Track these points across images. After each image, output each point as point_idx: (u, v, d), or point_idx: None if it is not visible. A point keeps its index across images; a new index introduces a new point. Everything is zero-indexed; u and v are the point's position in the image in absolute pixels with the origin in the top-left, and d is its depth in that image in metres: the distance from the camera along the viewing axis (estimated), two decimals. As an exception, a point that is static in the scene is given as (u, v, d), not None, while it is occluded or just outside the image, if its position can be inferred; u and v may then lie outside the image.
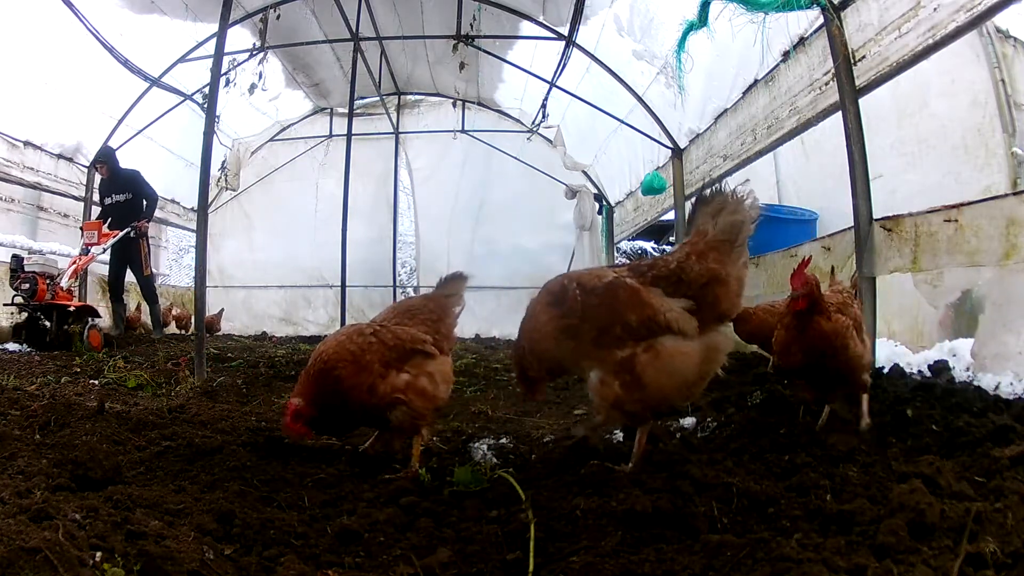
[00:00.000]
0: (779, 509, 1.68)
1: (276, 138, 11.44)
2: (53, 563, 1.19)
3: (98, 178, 7.86)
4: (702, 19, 4.17)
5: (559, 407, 3.63)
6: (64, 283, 6.25)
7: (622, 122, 7.85)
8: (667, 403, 2.00)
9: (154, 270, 11.97)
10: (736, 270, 1.94)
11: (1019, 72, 4.44)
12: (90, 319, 6.42)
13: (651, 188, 7.42)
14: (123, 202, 7.60)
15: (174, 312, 9.59)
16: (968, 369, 3.48)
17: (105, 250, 7.07)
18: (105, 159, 7.55)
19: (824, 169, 5.98)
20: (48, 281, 6.08)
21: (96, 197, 8.22)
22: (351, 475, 2.18)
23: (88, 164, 8.37)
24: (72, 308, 6.28)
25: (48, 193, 8.14)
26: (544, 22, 7.75)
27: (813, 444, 2.27)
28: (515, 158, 11.08)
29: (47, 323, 5.99)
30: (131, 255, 7.58)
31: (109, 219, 7.39)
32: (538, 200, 11.08)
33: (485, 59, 8.83)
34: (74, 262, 6.63)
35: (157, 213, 10.03)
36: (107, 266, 7.88)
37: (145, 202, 7.69)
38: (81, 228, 7.36)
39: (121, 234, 7.14)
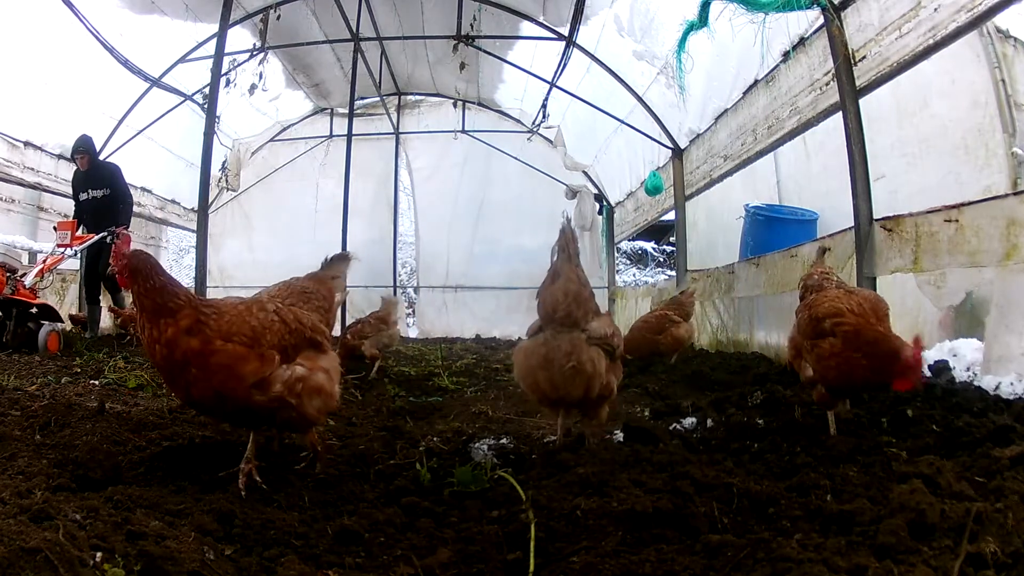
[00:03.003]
0: (779, 509, 1.68)
1: (276, 138, 11.45)
2: (53, 563, 1.19)
3: (71, 171, 7.16)
4: (702, 19, 4.16)
5: (559, 407, 3.63)
6: (28, 281, 5.73)
7: (622, 122, 7.85)
8: (540, 387, 2.32)
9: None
10: (551, 287, 2.29)
11: (1019, 72, 4.43)
12: (48, 322, 5.77)
13: (649, 189, 7.44)
14: (100, 198, 6.88)
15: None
16: (968, 369, 3.48)
17: (76, 253, 6.50)
18: (86, 149, 6.79)
19: (825, 169, 5.98)
20: (9, 275, 5.55)
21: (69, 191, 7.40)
22: (351, 475, 2.18)
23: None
24: (33, 307, 5.67)
25: (48, 193, 8.15)
26: (544, 22, 7.75)
27: (813, 444, 2.27)
28: (515, 158, 11.09)
29: (6, 320, 5.45)
30: (106, 252, 6.69)
31: (84, 217, 6.87)
32: (538, 200, 11.08)
33: (485, 59, 8.83)
34: (44, 260, 6.20)
35: (157, 214, 10.07)
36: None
37: (121, 204, 6.98)
38: (54, 227, 6.74)
39: (96, 238, 6.52)
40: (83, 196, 6.96)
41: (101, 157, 7.96)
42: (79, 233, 6.60)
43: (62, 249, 6.30)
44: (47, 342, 5.49)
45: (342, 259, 2.45)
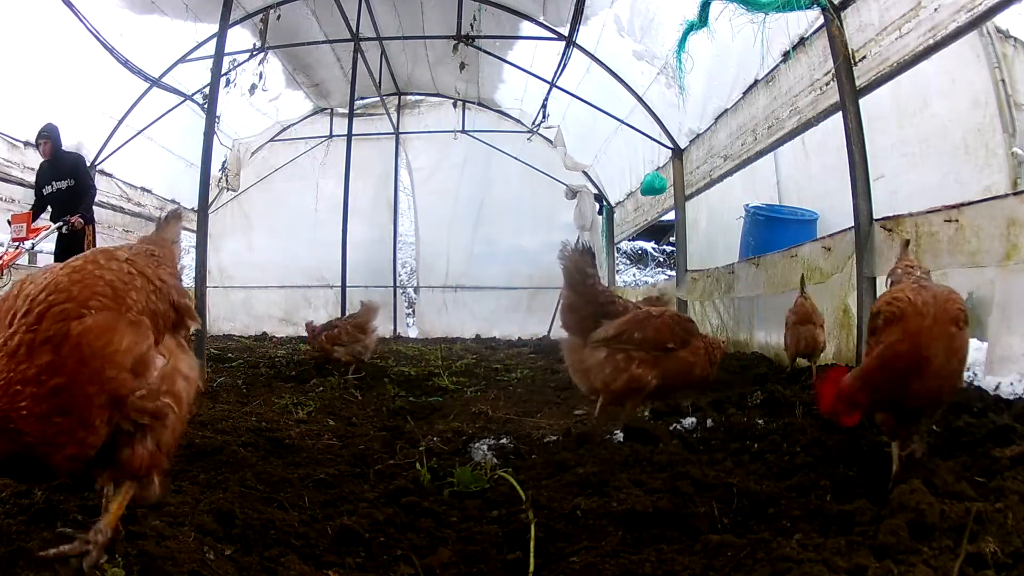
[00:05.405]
0: (779, 509, 1.68)
1: (276, 138, 11.43)
2: (53, 564, 1.19)
3: (38, 163, 6.75)
4: (702, 19, 4.16)
5: (559, 407, 3.63)
6: None
7: (622, 122, 7.85)
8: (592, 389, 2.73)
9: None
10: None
11: (1019, 72, 4.42)
12: None
13: (651, 188, 7.43)
14: (65, 190, 6.48)
15: None
16: (969, 369, 3.48)
17: (35, 245, 6.27)
18: (49, 135, 6.37)
19: (825, 169, 5.97)
20: None
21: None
22: (351, 475, 2.18)
23: (90, 164, 8.33)
24: None
25: (48, 193, 8.12)
26: (544, 22, 7.75)
27: (813, 444, 2.27)
28: (515, 158, 11.09)
29: None
30: (76, 244, 6.41)
31: (49, 210, 6.55)
32: (538, 200, 11.08)
33: (485, 59, 8.83)
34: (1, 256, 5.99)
35: (157, 213, 10.05)
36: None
37: (85, 194, 6.57)
38: (8, 220, 6.38)
39: (53, 228, 6.21)
40: (47, 190, 6.62)
41: (101, 156, 7.96)
42: (37, 225, 6.31)
43: (16, 243, 6.03)
44: None
45: (176, 218, 1.86)
